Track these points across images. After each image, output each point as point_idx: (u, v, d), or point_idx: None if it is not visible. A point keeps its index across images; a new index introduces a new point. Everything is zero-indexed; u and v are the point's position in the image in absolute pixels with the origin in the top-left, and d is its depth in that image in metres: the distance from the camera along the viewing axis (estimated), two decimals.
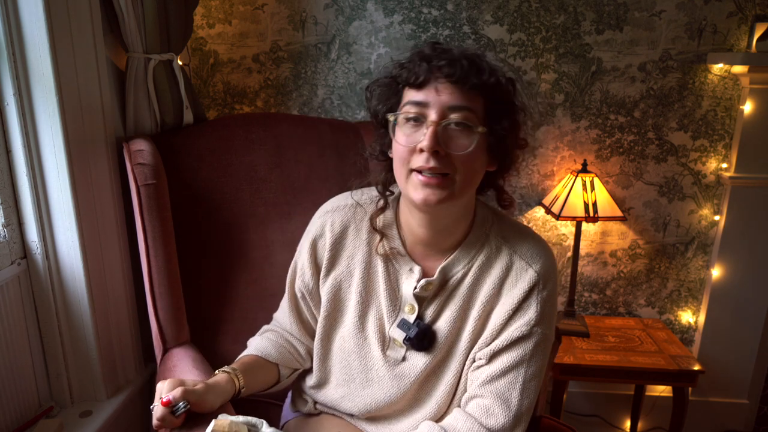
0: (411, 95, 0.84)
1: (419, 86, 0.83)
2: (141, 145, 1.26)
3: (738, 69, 1.71)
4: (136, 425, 1.42)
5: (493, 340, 0.88)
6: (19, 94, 1.10)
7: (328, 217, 1.00)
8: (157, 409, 0.84)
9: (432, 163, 0.81)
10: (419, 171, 0.82)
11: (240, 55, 1.80)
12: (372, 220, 0.96)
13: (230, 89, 1.83)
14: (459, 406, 0.92)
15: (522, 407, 0.86)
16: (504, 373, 0.86)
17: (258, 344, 1.04)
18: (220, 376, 0.94)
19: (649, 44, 1.76)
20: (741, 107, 1.77)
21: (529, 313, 0.87)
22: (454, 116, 0.81)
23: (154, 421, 0.85)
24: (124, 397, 1.32)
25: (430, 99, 0.82)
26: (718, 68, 1.77)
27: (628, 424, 2.05)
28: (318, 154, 1.47)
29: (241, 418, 0.84)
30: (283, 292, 1.09)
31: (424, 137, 0.81)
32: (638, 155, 1.86)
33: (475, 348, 0.90)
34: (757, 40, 1.69)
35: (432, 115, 0.81)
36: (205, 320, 1.32)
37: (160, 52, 1.37)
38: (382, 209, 0.96)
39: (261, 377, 1.01)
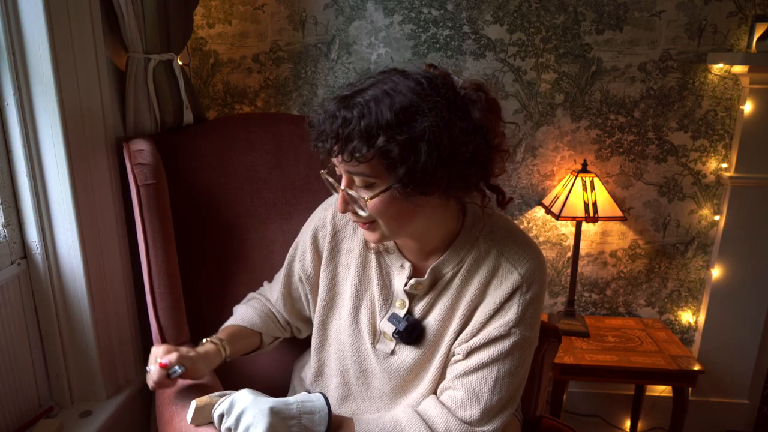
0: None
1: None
2: (141, 145, 1.26)
3: (738, 69, 1.71)
4: (136, 425, 1.42)
5: (473, 337, 0.90)
6: (19, 94, 1.10)
7: (330, 210, 1.04)
8: (154, 372, 0.90)
9: (353, 218, 0.88)
10: None
11: (240, 55, 1.80)
12: None
13: (230, 89, 1.83)
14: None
15: (492, 402, 0.87)
16: (477, 368, 0.88)
17: (244, 314, 1.11)
18: (208, 346, 1.00)
19: (649, 44, 1.76)
20: (741, 107, 1.77)
21: (509, 315, 0.88)
22: (357, 179, 0.84)
23: (150, 383, 0.91)
24: (124, 397, 1.32)
25: (337, 166, 0.85)
26: (718, 68, 1.77)
27: (628, 424, 2.05)
28: (318, 154, 1.46)
29: (216, 394, 0.89)
30: None
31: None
32: (638, 155, 1.86)
33: (455, 344, 0.92)
34: (757, 40, 1.69)
35: (341, 182, 0.87)
36: (205, 320, 1.31)
37: (160, 52, 1.37)
38: None
39: (244, 345, 1.08)
